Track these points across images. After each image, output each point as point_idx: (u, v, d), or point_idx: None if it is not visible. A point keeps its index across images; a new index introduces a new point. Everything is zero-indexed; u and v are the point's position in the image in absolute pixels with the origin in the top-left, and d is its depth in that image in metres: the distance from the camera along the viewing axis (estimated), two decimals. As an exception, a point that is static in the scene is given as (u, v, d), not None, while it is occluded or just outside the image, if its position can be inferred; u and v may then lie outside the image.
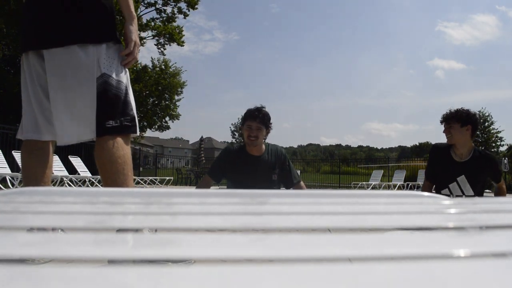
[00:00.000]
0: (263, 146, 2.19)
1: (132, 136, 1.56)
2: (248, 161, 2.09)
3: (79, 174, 9.27)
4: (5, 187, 6.31)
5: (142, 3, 20.15)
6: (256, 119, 2.09)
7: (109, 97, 1.47)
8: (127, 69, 1.60)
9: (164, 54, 21.16)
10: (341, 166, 18.61)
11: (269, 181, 2.04)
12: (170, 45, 21.38)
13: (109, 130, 1.44)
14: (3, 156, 7.28)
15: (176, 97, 20.41)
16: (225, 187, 2.50)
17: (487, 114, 24.06)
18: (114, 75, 1.52)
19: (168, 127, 21.11)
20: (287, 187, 2.09)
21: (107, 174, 1.40)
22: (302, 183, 2.13)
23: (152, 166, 21.58)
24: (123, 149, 1.45)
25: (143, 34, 21.14)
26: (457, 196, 2.24)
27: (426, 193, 0.51)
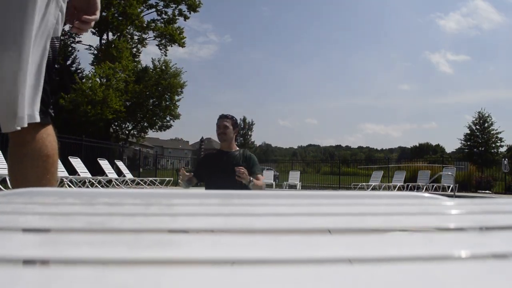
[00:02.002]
0: (236, 147, 2.76)
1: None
2: (222, 156, 2.66)
3: (79, 175, 9.27)
4: (5, 188, 6.31)
5: (144, 4, 20.19)
6: (223, 118, 2.71)
7: (51, 72, 1.08)
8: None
9: (166, 55, 21.21)
10: (341, 167, 18.61)
11: (234, 172, 2.55)
12: (172, 45, 21.43)
13: (49, 116, 1.08)
14: (3, 157, 7.28)
15: (177, 97, 20.39)
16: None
17: (487, 115, 24.06)
18: (57, 43, 1.09)
19: (170, 126, 21.09)
20: (248, 163, 2.63)
21: (41, 170, 1.04)
22: (260, 175, 2.66)
23: (152, 167, 21.58)
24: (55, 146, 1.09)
25: (144, 35, 21.19)
26: None
27: (426, 194, 0.51)
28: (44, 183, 1.04)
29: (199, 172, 2.77)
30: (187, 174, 2.70)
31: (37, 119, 1.00)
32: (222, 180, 2.56)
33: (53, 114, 1.13)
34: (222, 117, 2.72)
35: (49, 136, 1.07)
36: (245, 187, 2.68)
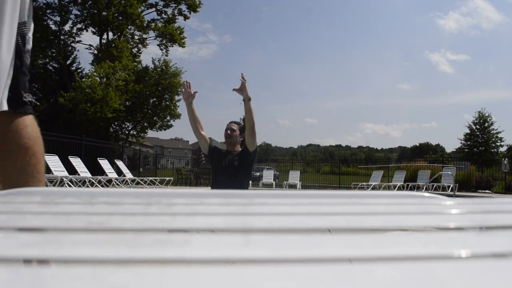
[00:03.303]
0: (240, 148, 2.93)
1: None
2: (227, 155, 2.85)
3: (79, 174, 9.27)
4: (5, 188, 6.29)
5: (144, 4, 20.17)
6: (232, 123, 2.95)
7: (24, 59, 1.03)
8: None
9: (167, 55, 21.21)
10: (341, 167, 18.61)
11: (233, 166, 2.77)
12: (172, 46, 21.42)
13: (27, 106, 1.01)
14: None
15: (177, 97, 20.38)
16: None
17: (487, 115, 24.05)
18: (30, 33, 1.06)
19: (170, 126, 21.09)
20: (246, 151, 2.78)
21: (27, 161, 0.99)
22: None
23: (152, 166, 21.58)
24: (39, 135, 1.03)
25: (144, 35, 21.19)
26: None
27: (426, 194, 0.51)
28: (25, 177, 0.99)
29: (212, 150, 2.91)
30: (192, 92, 2.76)
31: (4, 107, 0.95)
32: (225, 178, 2.73)
33: (32, 102, 1.04)
34: (231, 122, 2.98)
35: (26, 127, 1.00)
36: (246, 187, 2.80)
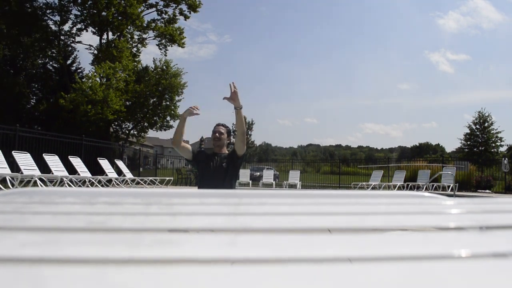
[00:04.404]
0: (226, 151, 2.96)
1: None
2: (214, 157, 2.88)
3: (79, 174, 9.27)
4: (5, 187, 6.30)
5: (144, 4, 20.18)
6: (219, 126, 2.96)
7: None
8: None
9: (166, 55, 21.21)
10: (341, 167, 18.60)
11: (222, 168, 2.80)
12: (172, 46, 21.41)
13: None
14: (3, 157, 7.28)
15: (177, 98, 20.36)
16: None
17: (487, 115, 24.06)
18: None
19: (170, 126, 21.06)
20: (235, 154, 2.81)
21: None
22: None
23: (152, 166, 21.57)
24: None
25: (144, 35, 21.20)
26: None
27: (426, 194, 0.51)
28: None
29: (196, 155, 2.97)
30: (197, 110, 2.81)
31: None
32: (213, 179, 2.77)
33: None
34: (219, 125, 2.99)
35: None
36: (233, 186, 2.85)
